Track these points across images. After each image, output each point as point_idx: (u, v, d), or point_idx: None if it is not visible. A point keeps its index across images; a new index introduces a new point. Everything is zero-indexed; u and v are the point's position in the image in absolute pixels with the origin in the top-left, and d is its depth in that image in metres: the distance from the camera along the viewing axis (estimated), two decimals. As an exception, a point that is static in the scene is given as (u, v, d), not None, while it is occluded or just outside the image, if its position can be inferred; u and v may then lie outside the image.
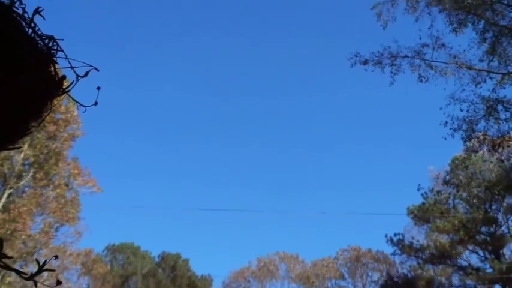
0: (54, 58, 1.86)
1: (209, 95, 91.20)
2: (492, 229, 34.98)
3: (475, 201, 35.52)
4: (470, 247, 36.21)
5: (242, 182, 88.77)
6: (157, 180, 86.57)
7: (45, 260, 1.84)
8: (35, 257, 25.17)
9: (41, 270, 1.82)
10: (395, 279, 38.47)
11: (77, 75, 1.92)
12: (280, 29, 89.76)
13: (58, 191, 29.33)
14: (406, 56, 18.49)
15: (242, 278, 51.43)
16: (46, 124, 26.61)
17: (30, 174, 28.99)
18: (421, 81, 18.54)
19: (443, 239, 35.89)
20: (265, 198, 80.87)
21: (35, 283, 1.91)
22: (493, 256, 34.79)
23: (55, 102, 2.06)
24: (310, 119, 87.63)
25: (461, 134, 18.44)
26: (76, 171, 30.55)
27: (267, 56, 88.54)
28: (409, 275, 38.11)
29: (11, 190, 27.91)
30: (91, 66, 1.91)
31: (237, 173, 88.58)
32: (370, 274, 47.06)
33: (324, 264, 48.82)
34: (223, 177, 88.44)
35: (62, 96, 2.04)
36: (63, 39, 1.84)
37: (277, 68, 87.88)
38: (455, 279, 37.25)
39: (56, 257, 2.34)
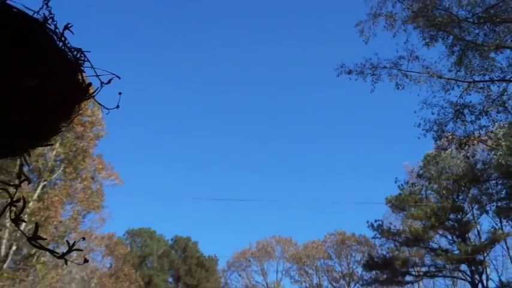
0: (82, 67, 1.87)
1: (211, 92, 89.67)
2: (459, 216, 34.98)
3: (444, 192, 35.50)
4: (440, 232, 36.22)
5: (245, 173, 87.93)
6: (171, 173, 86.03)
7: (74, 241, 1.85)
8: (65, 240, 25.20)
9: (70, 250, 1.83)
10: (376, 259, 38.41)
11: (101, 82, 1.93)
12: (282, 31, 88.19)
13: (85, 183, 29.37)
14: (385, 67, 18.46)
15: (244, 258, 51.44)
16: (74, 126, 26.60)
17: (61, 169, 29.02)
18: (398, 88, 18.51)
19: (417, 224, 35.85)
20: (264, 188, 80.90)
21: (66, 261, 1.92)
22: (459, 239, 34.78)
23: (82, 106, 2.06)
24: (306, 117, 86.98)
25: (433, 134, 18.44)
26: (100, 166, 30.57)
27: (272, 57, 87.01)
28: (387, 255, 38.05)
29: (45, 182, 27.93)
30: (113, 74, 1.92)
31: (241, 166, 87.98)
32: (353, 255, 47.14)
33: (313, 246, 48.81)
34: (229, 168, 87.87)
35: (88, 101, 2.04)
36: (89, 51, 1.84)
37: (277, 69, 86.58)
38: (427, 260, 37.30)
39: (84, 238, 2.34)
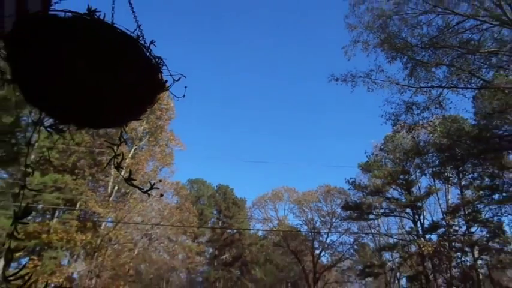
0: (161, 69, 1.88)
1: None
2: (406, 177, 34.45)
3: (397, 160, 34.95)
4: (393, 187, 35.74)
5: (270, 140, 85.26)
6: (218, 140, 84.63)
7: (154, 182, 1.89)
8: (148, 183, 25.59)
9: (151, 187, 1.87)
10: (350, 204, 38.21)
11: (173, 79, 1.94)
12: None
13: (161, 148, 29.73)
14: (361, 76, 18.08)
15: (263, 200, 51.42)
16: (155, 110, 26.87)
17: (146, 138, 29.42)
18: (369, 91, 18.08)
19: (378, 182, 35.48)
20: (278, 152, 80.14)
21: (149, 195, 1.97)
22: (406, 192, 34.40)
23: (161, 96, 2.08)
24: (309, 103, 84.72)
25: (391, 122, 18.10)
26: (172, 137, 30.85)
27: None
28: (357, 201, 37.74)
29: (136, 147, 28.37)
30: (181, 74, 1.93)
31: (267, 133, 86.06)
32: (335, 200, 46.69)
33: (309, 194, 48.51)
34: (259, 135, 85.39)
35: (165, 93, 2.06)
36: (166, 58, 1.85)
37: (276, 64, 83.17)
38: (384, 205, 36.93)
39: (160, 181, 2.41)
